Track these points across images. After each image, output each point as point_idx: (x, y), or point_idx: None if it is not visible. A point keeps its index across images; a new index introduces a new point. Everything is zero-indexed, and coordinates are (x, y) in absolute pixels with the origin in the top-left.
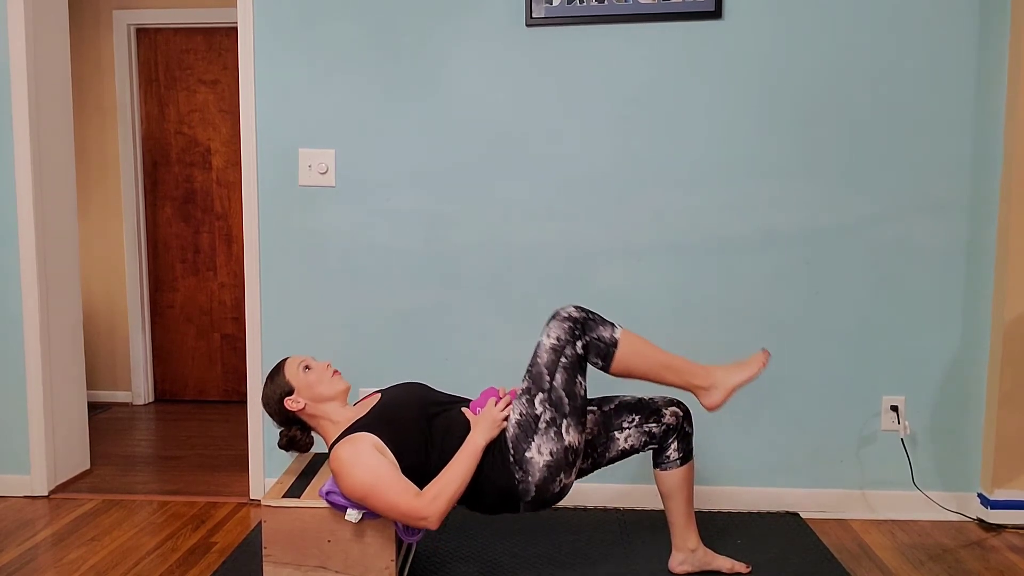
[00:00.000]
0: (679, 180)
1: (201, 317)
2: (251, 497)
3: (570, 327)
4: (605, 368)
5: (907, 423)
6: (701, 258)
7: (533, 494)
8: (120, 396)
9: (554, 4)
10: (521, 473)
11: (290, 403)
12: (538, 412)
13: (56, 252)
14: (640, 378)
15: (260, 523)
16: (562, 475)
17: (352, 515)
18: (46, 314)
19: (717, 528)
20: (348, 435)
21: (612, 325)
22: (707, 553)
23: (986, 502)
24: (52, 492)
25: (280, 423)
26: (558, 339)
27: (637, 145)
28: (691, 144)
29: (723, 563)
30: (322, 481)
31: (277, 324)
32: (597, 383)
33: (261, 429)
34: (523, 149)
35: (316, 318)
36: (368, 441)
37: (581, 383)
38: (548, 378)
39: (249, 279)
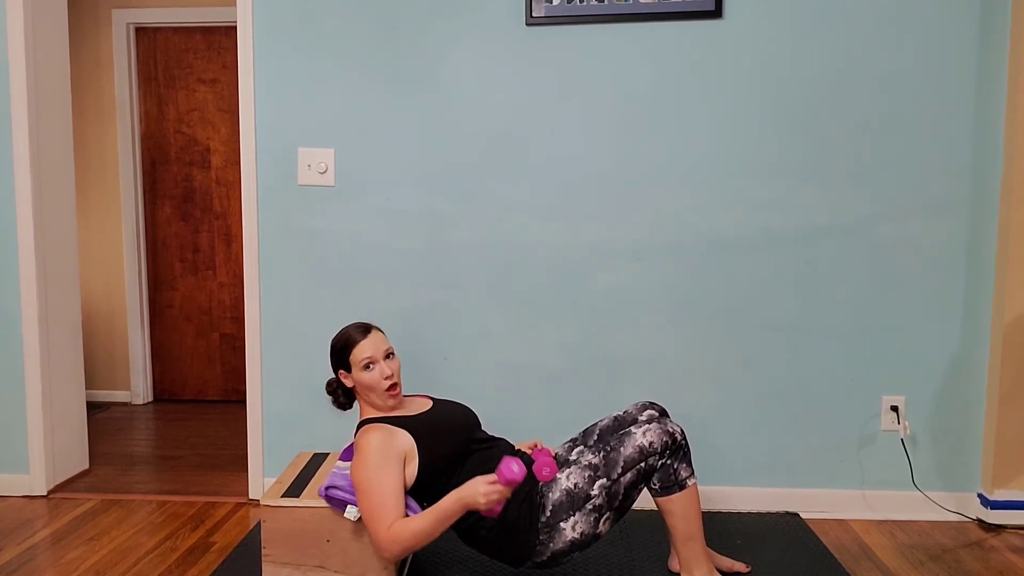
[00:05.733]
0: (679, 180)
1: (200, 316)
2: (250, 497)
3: (668, 443)
4: (656, 494)
5: (907, 423)
6: (701, 258)
7: (546, 558)
8: (119, 396)
9: (554, 3)
10: (546, 536)
11: (342, 377)
12: (592, 493)
13: (55, 251)
14: (666, 523)
15: (259, 523)
16: (576, 553)
17: (352, 512)
18: (45, 313)
19: (717, 528)
20: (386, 424)
21: (692, 471)
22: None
23: (986, 502)
24: (51, 492)
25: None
26: (651, 444)
27: (637, 145)
28: (691, 144)
29: (723, 563)
30: (321, 481)
31: (276, 324)
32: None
33: (260, 429)
34: (523, 149)
35: (315, 318)
36: (402, 442)
37: (640, 490)
38: (620, 470)
39: (248, 278)
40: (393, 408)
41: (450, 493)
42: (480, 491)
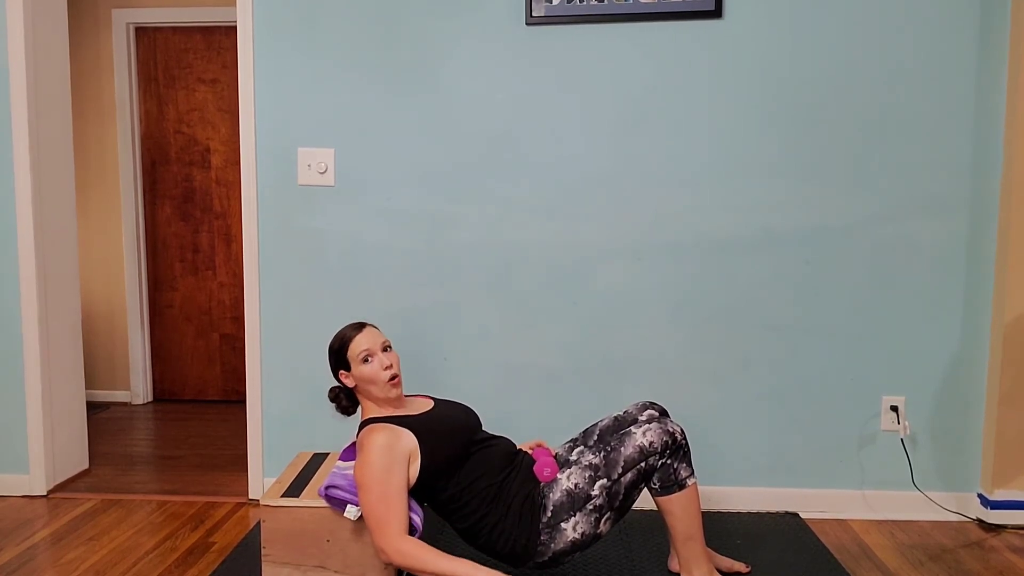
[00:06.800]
0: (679, 180)
1: (200, 317)
2: (250, 497)
3: (668, 442)
4: (656, 493)
5: (907, 423)
6: (701, 258)
7: (546, 558)
8: (119, 396)
9: (554, 3)
10: (547, 536)
11: (343, 377)
12: (593, 493)
13: (55, 251)
14: (666, 523)
15: (259, 523)
16: (577, 553)
17: (351, 511)
18: (45, 313)
19: (717, 528)
20: (390, 424)
21: (692, 471)
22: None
23: (986, 502)
24: (51, 492)
25: (333, 380)
26: (651, 444)
27: (637, 145)
28: (691, 144)
29: (722, 563)
30: (321, 481)
31: (276, 324)
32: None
33: (260, 429)
34: (523, 148)
35: (315, 318)
36: (406, 443)
37: (640, 490)
38: (620, 471)
39: (248, 278)
40: (396, 401)
41: (478, 566)
42: None
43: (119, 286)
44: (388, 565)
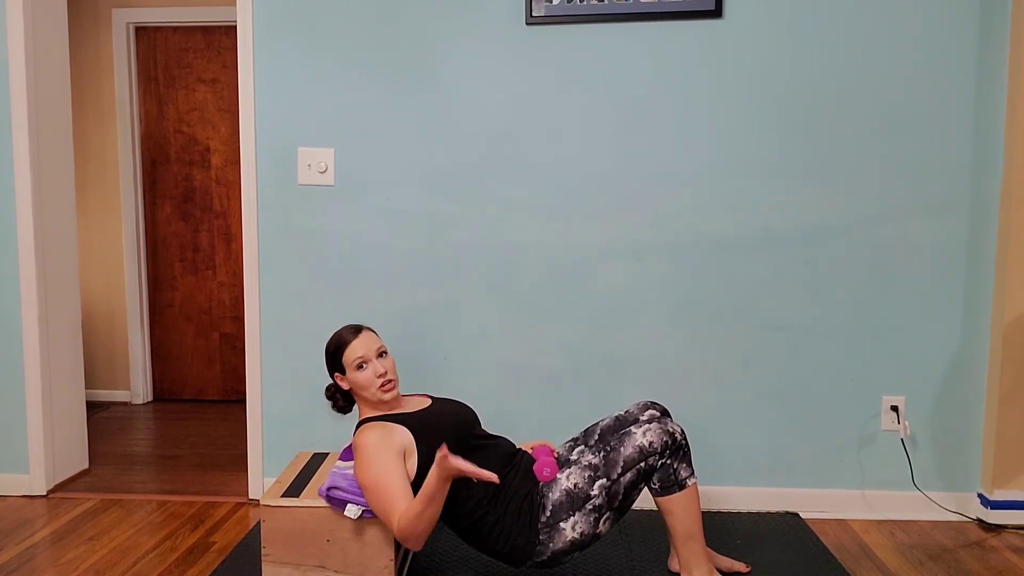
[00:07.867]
0: (679, 180)
1: (200, 316)
2: (250, 497)
3: (668, 443)
4: (656, 494)
5: (907, 423)
6: (701, 258)
7: (546, 558)
8: (119, 395)
9: (554, 3)
10: (546, 536)
11: (339, 379)
12: (592, 493)
13: (55, 251)
14: (666, 523)
15: (259, 523)
16: (577, 553)
17: (352, 511)
18: (45, 313)
19: (717, 528)
20: (385, 422)
21: (692, 471)
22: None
23: (986, 502)
24: (51, 491)
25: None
26: (651, 444)
27: (637, 145)
28: (691, 144)
29: (722, 563)
30: (321, 480)
31: (276, 323)
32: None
33: (260, 428)
34: (523, 148)
35: (315, 317)
36: (400, 438)
37: (640, 490)
38: (620, 470)
39: (248, 278)
40: (390, 404)
41: (435, 473)
42: (447, 468)
43: (119, 286)
44: (419, 548)
